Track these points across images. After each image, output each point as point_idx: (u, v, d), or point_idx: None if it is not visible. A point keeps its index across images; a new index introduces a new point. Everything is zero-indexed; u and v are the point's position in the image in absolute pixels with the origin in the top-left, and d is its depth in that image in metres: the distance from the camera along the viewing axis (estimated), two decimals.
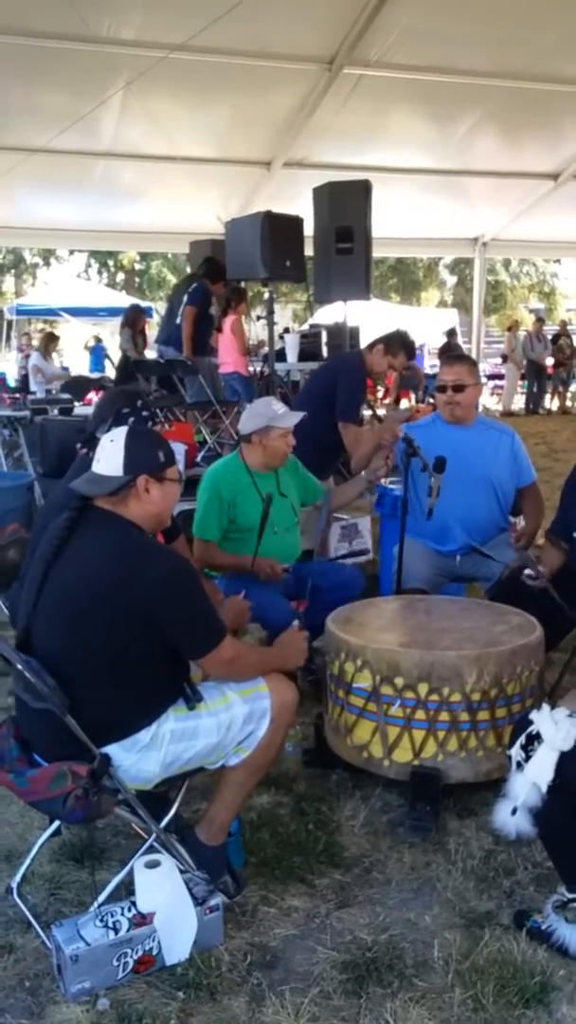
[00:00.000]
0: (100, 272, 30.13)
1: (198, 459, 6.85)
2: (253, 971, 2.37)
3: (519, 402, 18.34)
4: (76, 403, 8.91)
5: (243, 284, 9.02)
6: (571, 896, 2.40)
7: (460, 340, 18.43)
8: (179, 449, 4.60)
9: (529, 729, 2.38)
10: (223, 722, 2.48)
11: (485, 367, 19.13)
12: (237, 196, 10.80)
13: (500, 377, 19.78)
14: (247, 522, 3.89)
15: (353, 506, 5.59)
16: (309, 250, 6.97)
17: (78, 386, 10.42)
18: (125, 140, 9.38)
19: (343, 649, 3.13)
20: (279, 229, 6.32)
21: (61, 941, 2.29)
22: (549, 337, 18.46)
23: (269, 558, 3.83)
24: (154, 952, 2.35)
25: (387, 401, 17.69)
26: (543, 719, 2.38)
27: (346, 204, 6.69)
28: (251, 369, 9.07)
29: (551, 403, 18.40)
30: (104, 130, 9.02)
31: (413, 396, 17.92)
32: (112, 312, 19.92)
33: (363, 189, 6.68)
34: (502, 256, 23.71)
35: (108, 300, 20.70)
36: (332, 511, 4.45)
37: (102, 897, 2.46)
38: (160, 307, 24.12)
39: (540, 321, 20.15)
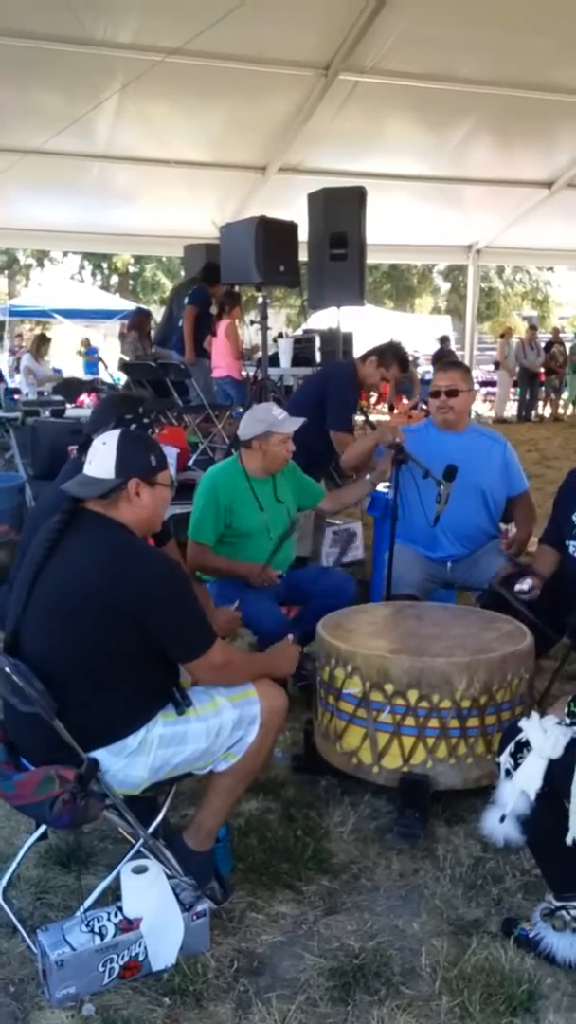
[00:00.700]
0: (94, 274, 30.13)
1: (190, 463, 6.84)
2: (240, 977, 2.36)
3: (511, 409, 18.38)
4: (68, 405, 8.89)
5: (237, 289, 9.03)
6: (559, 904, 2.39)
7: (453, 346, 18.44)
8: (171, 453, 4.60)
9: (518, 737, 2.39)
10: (212, 727, 2.47)
11: (478, 374, 19.17)
12: (232, 200, 10.81)
13: (492, 384, 19.82)
14: (243, 527, 3.88)
15: (346, 511, 5.60)
16: (303, 255, 6.98)
17: (70, 388, 10.41)
18: (120, 143, 9.38)
19: (333, 655, 3.13)
20: (273, 234, 6.33)
21: (47, 946, 2.27)
22: (542, 345, 18.50)
23: (261, 564, 3.82)
24: (140, 958, 2.34)
25: (380, 407, 17.70)
26: (532, 727, 2.38)
27: (341, 210, 6.71)
28: (244, 373, 9.08)
29: (543, 410, 18.44)
30: (99, 133, 9.02)
31: (406, 401, 17.94)
32: (105, 315, 19.93)
33: (358, 195, 6.70)
34: (496, 263, 23.79)
35: (101, 302, 20.69)
36: (332, 513, 4.45)
37: (88, 902, 2.44)
38: (154, 310, 24.13)
39: (533, 329, 20.21)
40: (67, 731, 2.29)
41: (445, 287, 33.51)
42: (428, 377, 12.34)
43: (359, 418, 9.89)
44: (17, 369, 15.97)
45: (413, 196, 11.23)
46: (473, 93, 8.80)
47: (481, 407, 19.06)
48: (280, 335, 10.05)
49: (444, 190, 11.44)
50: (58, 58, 7.48)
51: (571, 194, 11.54)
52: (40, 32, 7.14)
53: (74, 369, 17.56)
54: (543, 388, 18.42)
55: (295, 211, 7.11)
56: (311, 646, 3.42)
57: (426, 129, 9.86)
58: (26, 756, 2.44)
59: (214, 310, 8.77)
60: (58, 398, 9.19)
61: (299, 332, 10.81)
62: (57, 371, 15.62)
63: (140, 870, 2.42)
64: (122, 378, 9.79)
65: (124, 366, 9.15)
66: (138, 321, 11.39)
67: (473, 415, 4.76)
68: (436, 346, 17.40)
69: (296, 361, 8.69)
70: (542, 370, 18.02)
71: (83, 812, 2.28)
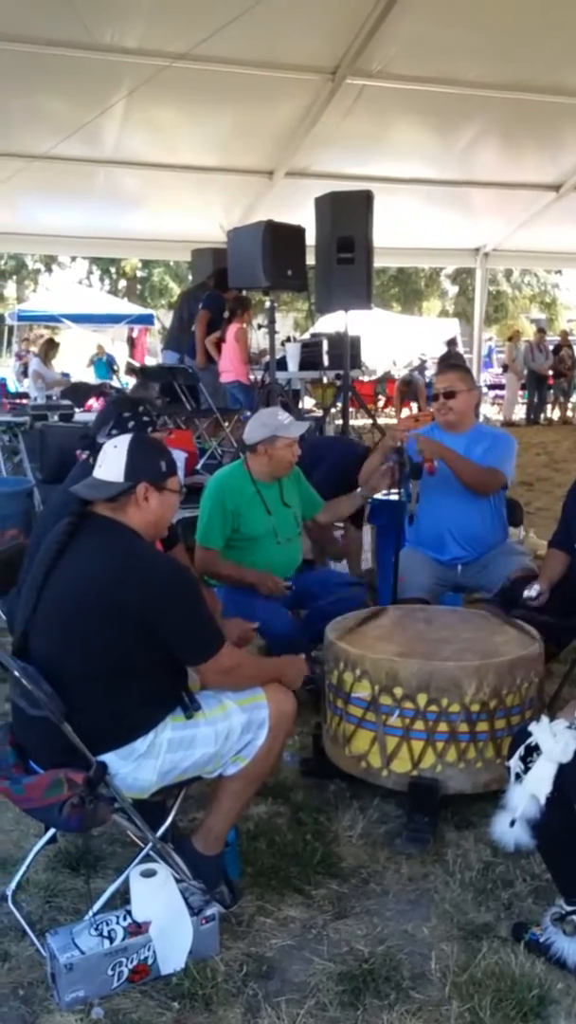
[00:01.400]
0: (102, 279, 30.18)
1: (198, 467, 6.85)
2: (249, 982, 2.35)
3: (520, 412, 18.35)
4: (76, 409, 8.90)
5: (244, 293, 9.05)
6: (569, 909, 2.38)
7: (461, 349, 18.44)
8: (179, 457, 4.61)
9: (528, 741, 2.38)
10: (221, 731, 2.47)
11: (486, 377, 19.14)
12: (239, 205, 10.82)
13: (501, 387, 19.79)
14: (250, 531, 3.88)
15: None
16: (311, 259, 6.99)
17: (78, 392, 10.43)
18: (127, 148, 9.40)
19: (342, 659, 3.12)
20: (281, 238, 6.33)
21: (56, 949, 2.27)
22: (551, 348, 18.47)
23: (271, 575, 3.81)
24: (149, 962, 2.33)
25: (387, 410, 17.70)
26: (542, 731, 2.37)
27: (348, 214, 6.71)
28: (252, 378, 9.09)
29: (552, 413, 18.41)
30: (106, 138, 9.04)
31: (415, 407, 17.93)
32: (113, 319, 19.97)
33: (365, 199, 6.70)
34: (503, 266, 23.72)
35: (110, 307, 20.72)
36: (327, 524, 4.44)
37: (97, 906, 2.44)
38: (162, 315, 24.20)
39: (542, 332, 20.18)
40: (76, 734, 2.29)
41: (453, 290, 33.47)
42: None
43: (367, 421, 9.90)
44: (25, 373, 16.01)
45: (420, 200, 11.23)
46: (480, 96, 8.80)
47: (490, 410, 19.03)
48: (288, 339, 10.03)
49: (451, 193, 11.44)
50: (65, 64, 7.50)
51: None
52: (47, 38, 7.16)
53: (82, 374, 17.59)
54: (551, 391, 18.39)
55: (302, 215, 7.12)
56: (319, 650, 3.41)
57: (433, 133, 9.86)
58: (35, 759, 2.44)
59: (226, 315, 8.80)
60: (66, 402, 9.21)
61: (307, 336, 10.80)
62: (65, 375, 15.65)
63: (149, 874, 2.42)
64: (130, 382, 9.82)
65: (140, 370, 9.18)
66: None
67: (481, 418, 4.75)
68: (444, 349, 17.38)
69: (304, 365, 8.69)
70: (550, 373, 17.99)
71: (92, 816, 2.28)
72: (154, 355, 21.64)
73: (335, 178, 9.50)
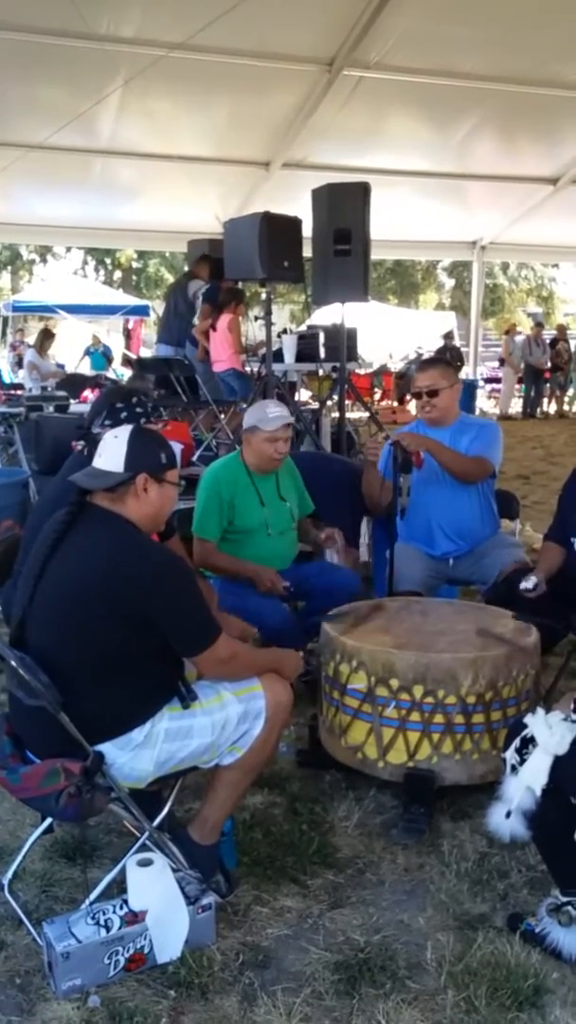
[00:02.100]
0: (97, 270, 30.07)
1: (194, 459, 6.84)
2: (245, 971, 2.36)
3: (516, 406, 18.36)
4: (72, 400, 8.89)
5: (240, 284, 9.04)
6: (565, 899, 2.39)
7: (458, 343, 18.43)
8: (175, 448, 4.58)
9: (524, 733, 2.38)
10: (217, 721, 2.48)
11: (482, 370, 19.14)
12: (236, 196, 10.81)
13: (497, 381, 19.80)
14: (245, 524, 3.88)
15: None
16: (307, 251, 6.97)
17: (74, 383, 10.40)
18: (123, 138, 9.39)
19: (338, 650, 3.13)
20: (277, 230, 6.31)
21: (52, 938, 2.28)
22: (547, 341, 18.47)
23: (271, 571, 3.81)
24: (145, 950, 2.34)
25: (384, 403, 17.70)
26: (537, 723, 2.38)
27: (345, 206, 6.68)
28: (247, 369, 9.07)
29: (548, 407, 18.43)
30: (102, 128, 9.02)
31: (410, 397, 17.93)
32: (108, 310, 19.91)
33: (362, 191, 6.67)
34: (500, 260, 23.76)
35: (105, 298, 20.67)
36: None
37: (94, 895, 2.45)
38: (157, 306, 24.10)
39: (539, 326, 20.17)
40: (73, 724, 2.29)
41: (449, 283, 33.44)
42: None
43: (364, 414, 9.89)
44: (20, 364, 15.98)
45: (417, 192, 11.24)
46: (478, 89, 8.80)
47: (486, 404, 19.04)
48: (284, 331, 10.02)
49: (448, 186, 11.45)
50: (61, 53, 7.48)
51: (575, 190, 11.53)
52: (43, 27, 7.14)
53: (79, 365, 17.54)
54: (548, 385, 18.40)
55: (299, 207, 7.10)
56: (316, 642, 3.41)
57: (430, 125, 9.86)
58: (32, 749, 2.44)
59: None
60: (62, 393, 9.19)
61: (303, 328, 10.79)
62: (60, 366, 15.62)
63: (145, 863, 2.42)
64: (125, 374, 9.79)
65: (129, 362, 9.17)
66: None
67: (478, 412, 4.74)
68: (440, 342, 17.37)
69: (300, 357, 8.67)
70: (547, 367, 18.00)
71: (89, 805, 2.28)
72: (149, 346, 21.58)
73: (332, 170, 9.50)
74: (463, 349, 17.48)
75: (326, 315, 11.61)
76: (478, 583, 4.19)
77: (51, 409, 7.84)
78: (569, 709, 2.45)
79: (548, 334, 19.49)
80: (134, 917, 2.34)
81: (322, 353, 8.59)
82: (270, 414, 3.85)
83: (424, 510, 4.10)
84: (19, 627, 2.45)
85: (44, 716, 2.29)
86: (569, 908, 2.37)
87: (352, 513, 4.76)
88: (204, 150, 9.98)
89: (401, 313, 26.23)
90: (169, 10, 7.04)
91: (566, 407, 18.70)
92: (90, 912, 2.35)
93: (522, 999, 2.23)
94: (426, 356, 15.52)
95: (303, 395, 11.20)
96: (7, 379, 15.34)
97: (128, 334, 22.48)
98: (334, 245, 6.62)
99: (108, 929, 2.30)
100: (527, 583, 3.59)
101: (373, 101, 8.91)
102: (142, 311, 21.06)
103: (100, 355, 16.89)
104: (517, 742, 2.39)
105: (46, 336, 14.09)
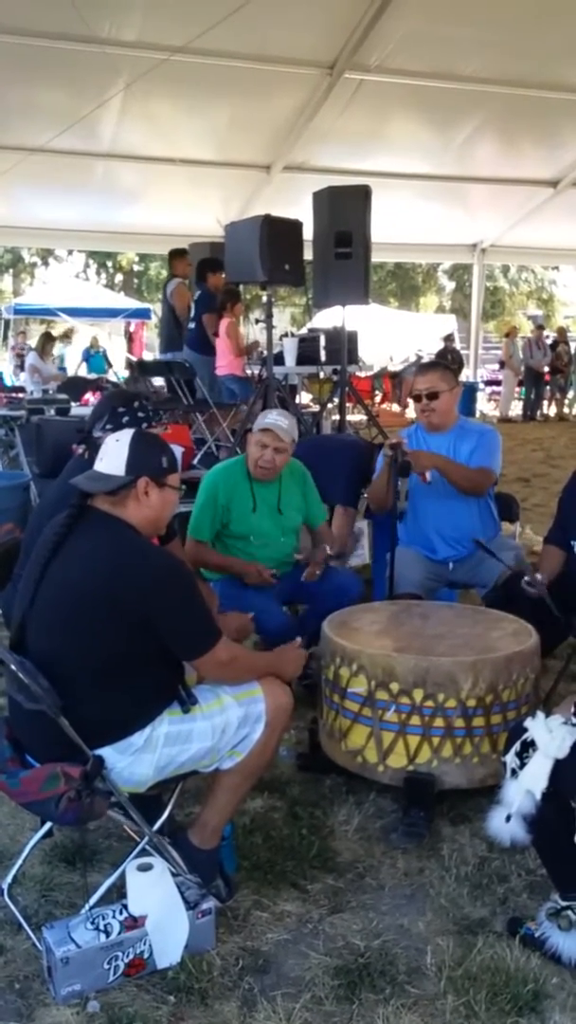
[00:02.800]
0: (99, 273, 30.12)
1: (195, 462, 6.84)
2: (245, 976, 2.36)
3: (516, 408, 18.37)
4: (73, 403, 8.90)
5: (240, 287, 9.05)
6: (565, 904, 2.39)
7: (458, 345, 18.44)
8: (176, 451, 4.58)
9: (524, 736, 2.38)
10: (217, 725, 2.47)
11: (483, 373, 19.14)
12: (237, 199, 10.83)
13: (497, 383, 19.80)
14: (238, 530, 3.87)
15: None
16: (308, 254, 6.98)
17: (75, 386, 10.41)
18: (125, 141, 9.41)
19: (338, 654, 3.13)
20: (278, 233, 6.32)
21: (52, 943, 2.27)
22: (548, 343, 18.47)
23: (258, 563, 3.81)
24: (145, 955, 2.34)
25: (385, 406, 17.71)
26: (538, 727, 2.37)
27: (346, 209, 6.70)
28: (248, 372, 9.08)
29: (548, 409, 18.43)
30: (104, 131, 9.04)
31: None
32: (110, 313, 19.93)
33: (363, 194, 6.68)
34: (500, 262, 23.81)
35: (106, 301, 20.70)
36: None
37: (93, 899, 2.44)
38: (158, 309, 24.12)
39: (540, 328, 20.17)
40: (72, 728, 2.29)
41: (450, 286, 33.46)
42: None
43: (363, 417, 9.90)
44: (21, 367, 15.99)
45: (418, 195, 11.25)
46: (478, 92, 8.81)
47: (486, 406, 19.04)
48: (286, 334, 10.04)
49: (449, 189, 11.45)
50: (63, 57, 7.50)
51: None
52: (45, 30, 7.16)
53: (79, 369, 17.55)
54: (548, 387, 18.39)
55: (300, 210, 7.11)
56: (316, 646, 3.41)
57: (431, 128, 9.88)
58: (32, 753, 2.44)
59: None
60: (63, 396, 9.20)
61: (304, 331, 10.80)
62: (62, 370, 15.63)
63: (145, 868, 2.42)
64: (126, 376, 9.82)
65: (138, 364, 9.19)
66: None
67: (478, 414, 4.74)
68: (441, 345, 17.38)
69: (301, 360, 8.68)
70: (547, 369, 18.00)
71: (88, 809, 2.28)
72: (152, 349, 21.60)
73: (333, 173, 9.52)
74: (463, 352, 17.50)
75: (327, 318, 11.63)
76: (478, 586, 4.19)
77: (52, 412, 7.84)
78: (570, 712, 2.45)
79: (549, 336, 19.48)
80: (134, 922, 2.34)
81: (323, 356, 8.60)
82: (266, 417, 3.85)
83: (424, 515, 4.10)
84: (19, 631, 2.45)
85: (44, 720, 2.29)
86: (569, 912, 2.37)
87: (347, 481, 4.86)
88: (205, 153, 10.00)
89: (402, 316, 26.23)
90: (170, 14, 7.06)
91: (566, 410, 18.69)
92: (90, 917, 2.35)
93: (522, 1004, 2.23)
94: (426, 359, 15.59)
95: (304, 398, 11.21)
96: (8, 382, 15.36)
97: (130, 337, 22.49)
98: (335, 248, 6.64)
99: (108, 934, 2.30)
100: (528, 578, 3.57)
101: (374, 104, 8.92)
102: (143, 314, 21.09)
103: (100, 357, 16.90)
104: (517, 746, 2.38)
105: (48, 339, 14.11)
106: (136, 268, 29.80)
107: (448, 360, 11.90)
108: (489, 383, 20.43)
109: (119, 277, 30.04)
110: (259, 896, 2.68)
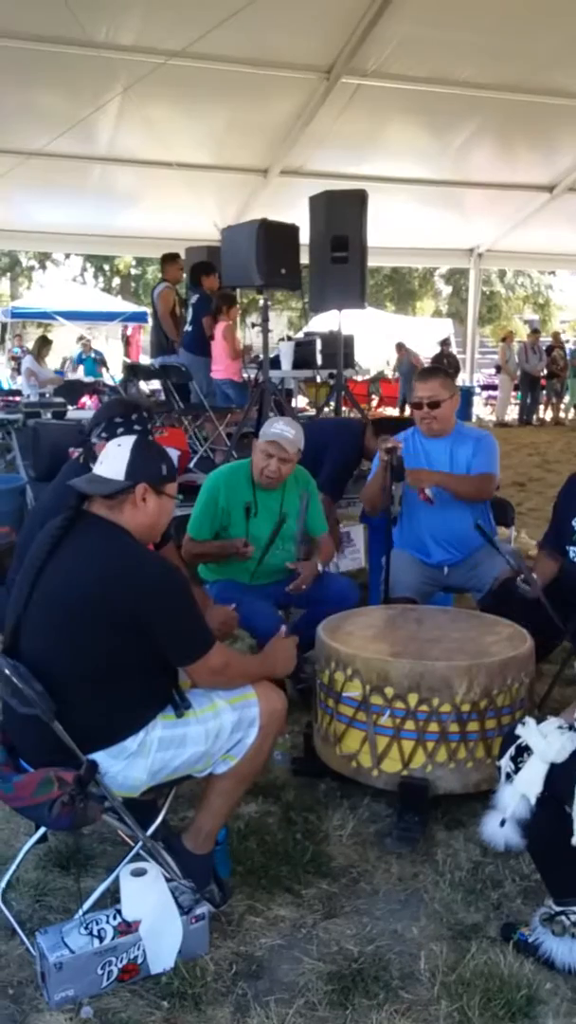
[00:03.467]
0: (96, 276, 30.14)
1: (191, 465, 6.84)
2: (238, 981, 2.35)
3: (513, 413, 18.40)
4: (69, 407, 8.90)
5: (236, 291, 9.06)
6: (558, 909, 2.39)
7: (454, 350, 18.46)
8: (171, 455, 4.58)
9: (519, 741, 2.38)
10: (211, 730, 2.47)
11: (479, 377, 19.17)
12: (233, 203, 10.84)
13: (494, 388, 19.83)
14: (236, 533, 3.86)
15: (346, 516, 5.60)
16: (305, 258, 6.99)
17: (71, 390, 10.42)
18: (122, 145, 9.42)
19: (333, 658, 3.12)
20: (275, 237, 6.32)
21: (45, 948, 2.27)
22: (544, 348, 18.51)
23: (235, 541, 3.82)
24: (139, 961, 2.33)
25: (380, 411, 17.72)
26: (532, 731, 2.37)
27: (342, 213, 6.70)
28: (244, 375, 9.08)
29: (544, 414, 18.46)
30: (101, 135, 9.05)
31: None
32: (107, 317, 19.96)
33: (359, 198, 6.69)
34: (497, 267, 23.84)
35: (103, 305, 20.72)
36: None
37: (87, 905, 2.44)
38: None
39: (536, 332, 20.21)
40: (66, 733, 2.28)
41: (446, 291, 33.51)
42: None
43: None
44: (18, 371, 15.99)
45: (415, 199, 11.27)
46: (475, 97, 8.83)
47: (482, 411, 19.06)
48: (283, 338, 10.05)
49: (446, 193, 11.48)
50: (60, 60, 7.50)
51: (572, 198, 11.58)
52: (42, 34, 7.17)
53: (72, 371, 17.58)
54: (544, 392, 18.43)
55: (297, 214, 7.11)
56: (312, 651, 3.41)
57: (428, 132, 9.90)
58: (25, 758, 2.43)
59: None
60: (59, 400, 9.21)
61: (300, 335, 10.82)
62: (59, 373, 15.63)
63: (139, 873, 2.41)
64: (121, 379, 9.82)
65: (130, 367, 9.19)
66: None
67: (475, 419, 4.75)
68: (437, 349, 17.40)
69: (297, 364, 8.69)
70: (543, 374, 18.04)
71: (82, 814, 2.27)
72: (148, 353, 21.61)
73: (330, 177, 9.52)
74: (460, 356, 17.52)
75: (323, 322, 11.64)
76: (473, 591, 4.19)
77: (49, 415, 7.85)
78: (572, 718, 2.45)
79: (545, 341, 19.53)
80: (127, 927, 2.33)
81: (319, 360, 8.61)
82: (273, 427, 3.84)
83: (418, 519, 4.10)
84: (13, 634, 2.45)
85: (38, 725, 2.28)
86: (562, 918, 2.37)
87: (331, 469, 4.93)
88: (202, 157, 10.01)
89: (398, 320, 26.28)
90: (168, 18, 7.06)
91: (562, 414, 18.73)
92: (83, 922, 2.34)
93: (515, 1010, 2.23)
94: (438, 360, 15.60)
95: (300, 402, 11.22)
96: (5, 385, 15.36)
97: (127, 341, 22.50)
98: (331, 252, 6.64)
99: (101, 939, 2.30)
100: (525, 577, 3.57)
101: (371, 108, 8.94)
102: (140, 318, 21.09)
103: (92, 361, 16.88)
104: (512, 750, 2.39)
105: (44, 343, 14.11)
106: (133, 272, 29.83)
107: (444, 364, 11.89)
108: (485, 388, 20.47)
109: (116, 281, 30.06)
110: (253, 901, 2.67)
